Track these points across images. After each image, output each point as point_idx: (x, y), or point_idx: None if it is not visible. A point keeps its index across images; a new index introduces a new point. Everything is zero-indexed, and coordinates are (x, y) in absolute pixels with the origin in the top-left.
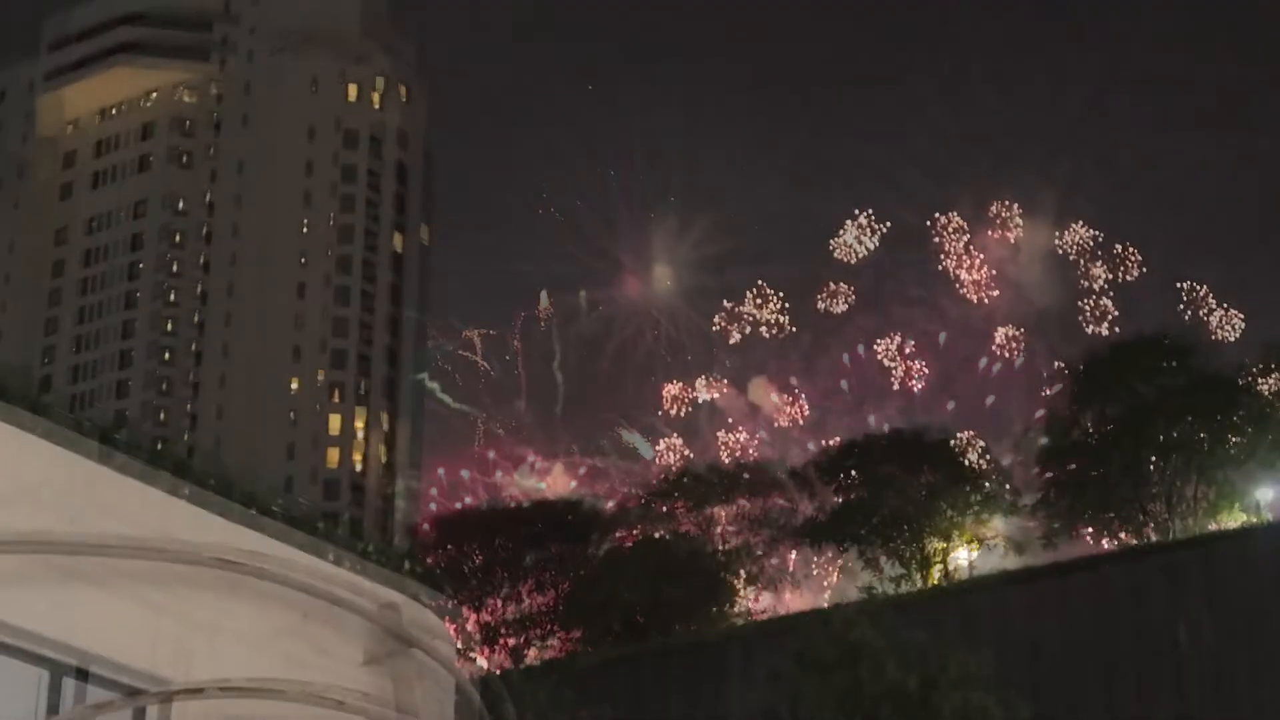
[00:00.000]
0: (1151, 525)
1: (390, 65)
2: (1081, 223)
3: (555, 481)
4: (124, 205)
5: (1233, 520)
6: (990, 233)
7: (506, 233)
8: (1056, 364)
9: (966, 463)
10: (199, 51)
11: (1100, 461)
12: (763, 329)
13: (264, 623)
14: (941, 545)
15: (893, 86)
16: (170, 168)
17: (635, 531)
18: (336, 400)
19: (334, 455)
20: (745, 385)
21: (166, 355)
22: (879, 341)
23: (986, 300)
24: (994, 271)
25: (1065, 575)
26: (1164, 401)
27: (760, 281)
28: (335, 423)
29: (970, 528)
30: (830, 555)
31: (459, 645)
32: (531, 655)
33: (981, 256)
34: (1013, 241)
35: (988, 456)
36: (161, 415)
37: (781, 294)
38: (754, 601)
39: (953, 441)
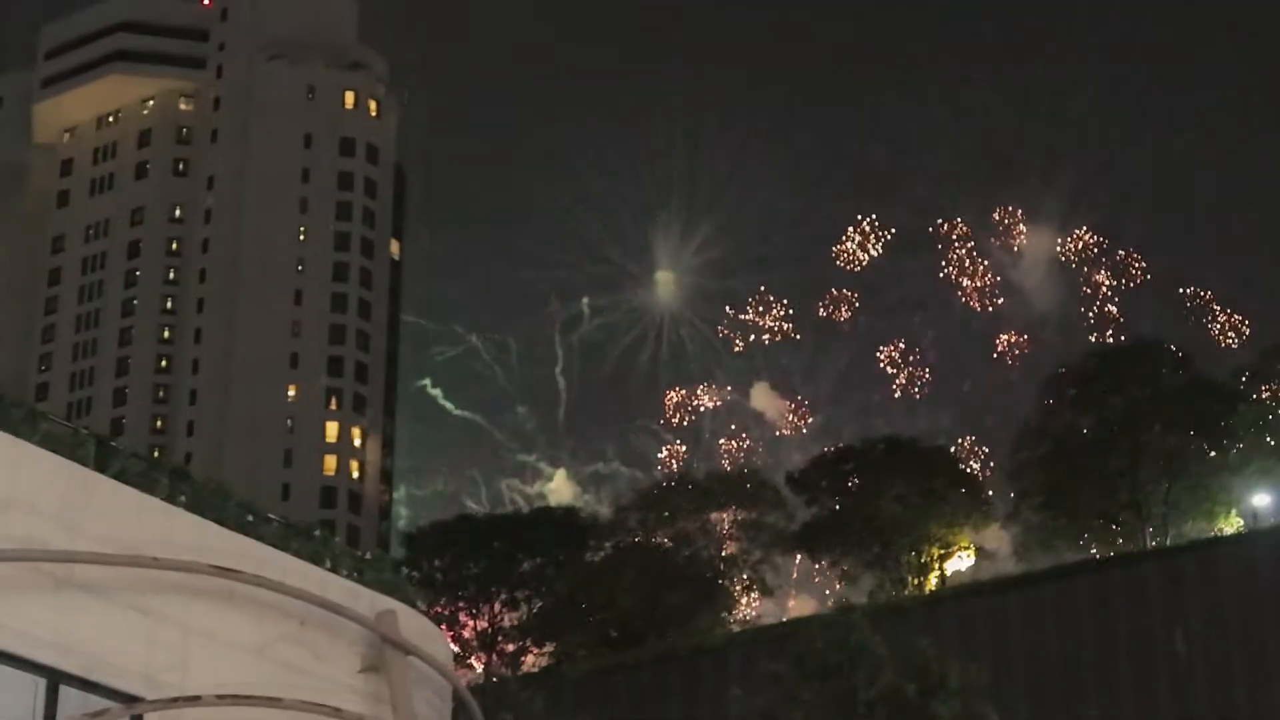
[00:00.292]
0: (1122, 536)
1: (387, 72)
2: (1085, 228)
3: (558, 487)
4: (121, 213)
5: (1229, 526)
6: (994, 240)
7: (509, 239)
8: (1061, 370)
9: (966, 470)
10: (195, 59)
11: (1070, 472)
12: (765, 336)
13: (261, 630)
14: (938, 551)
15: (896, 90)
16: (167, 175)
17: (636, 539)
18: (334, 408)
19: (331, 463)
20: (748, 390)
21: (164, 363)
22: (881, 348)
23: (990, 308)
24: (997, 278)
25: (1064, 579)
26: (1137, 410)
27: (763, 287)
28: (332, 430)
29: (945, 537)
30: (825, 562)
31: (457, 651)
32: (529, 662)
33: (985, 263)
34: (1015, 249)
35: (975, 466)
36: (159, 423)
37: (785, 300)
38: (751, 607)
39: (954, 449)
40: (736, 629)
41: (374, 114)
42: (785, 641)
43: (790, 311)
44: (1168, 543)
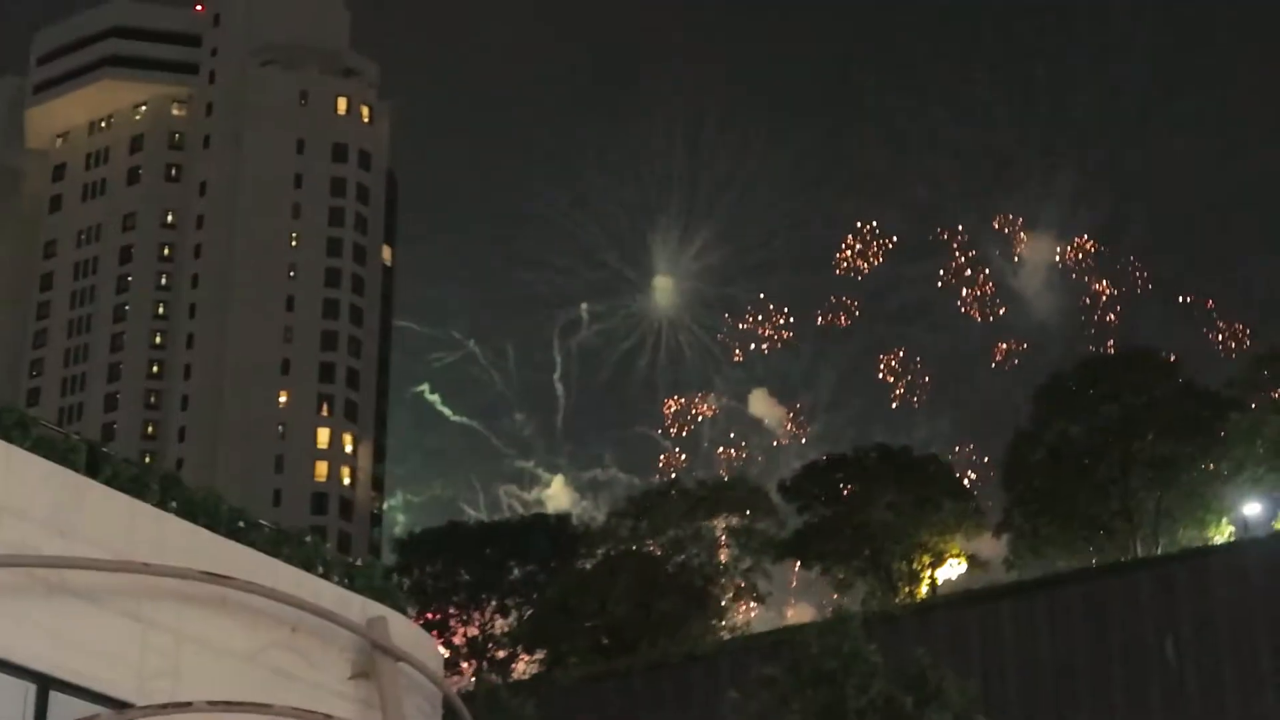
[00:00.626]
0: (1111, 544)
1: (379, 78)
2: (1085, 235)
3: (556, 494)
4: (114, 218)
5: (1220, 535)
6: (993, 246)
7: (507, 244)
8: (1054, 377)
9: (959, 478)
10: (188, 65)
11: (1063, 480)
12: (764, 345)
13: (252, 636)
14: (929, 559)
15: (895, 95)
16: (160, 180)
17: (628, 547)
18: (325, 414)
19: (322, 469)
20: (747, 397)
21: (156, 368)
22: (881, 355)
23: (990, 317)
24: (996, 285)
25: (1056, 587)
26: (1129, 418)
27: (762, 294)
28: (324, 436)
29: (937, 545)
30: (818, 570)
31: (447, 657)
32: (520, 669)
33: (985, 270)
34: (1015, 256)
35: (974, 475)
36: (150, 428)
37: (784, 307)
38: (744, 614)
39: (952, 457)
40: (728, 636)
41: (366, 119)
42: (778, 649)
43: (792, 320)
44: (1159, 551)
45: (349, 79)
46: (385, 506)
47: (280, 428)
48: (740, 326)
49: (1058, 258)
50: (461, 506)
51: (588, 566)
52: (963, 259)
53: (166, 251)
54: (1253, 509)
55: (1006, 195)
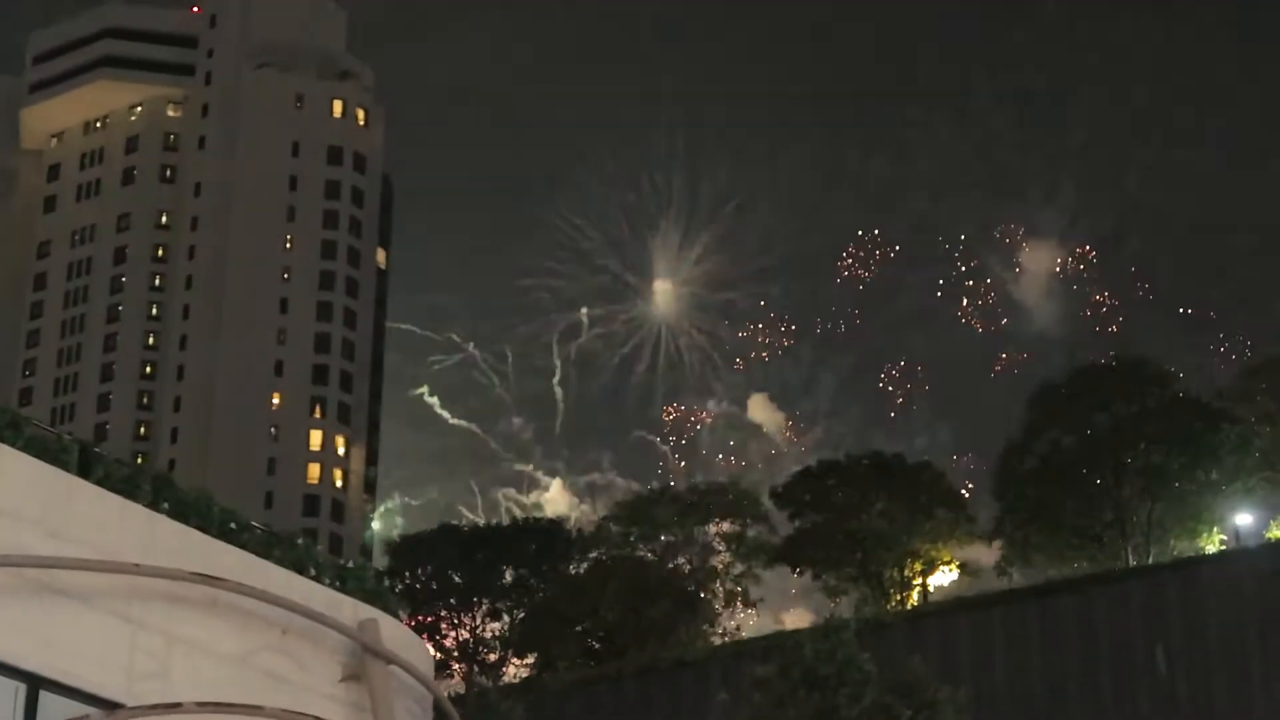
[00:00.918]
0: (1103, 554)
1: (376, 81)
2: (1086, 246)
3: (554, 498)
4: (108, 219)
5: (1211, 545)
6: (994, 255)
7: (507, 249)
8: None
9: (952, 486)
10: (184, 66)
11: (1053, 489)
12: (764, 352)
13: (243, 638)
14: (921, 567)
15: (897, 103)
16: (154, 181)
17: (619, 552)
18: (318, 416)
19: (314, 471)
20: (746, 403)
21: (148, 369)
22: (881, 363)
23: (991, 327)
24: (996, 294)
25: (1047, 596)
26: (1121, 428)
27: (762, 302)
28: (316, 438)
29: (929, 553)
30: (809, 576)
31: (438, 660)
32: (510, 672)
33: (987, 280)
34: (1016, 266)
35: (971, 484)
36: (143, 429)
37: (784, 314)
38: (736, 620)
39: (952, 464)
40: (719, 642)
41: (362, 123)
42: (770, 654)
43: (791, 327)
44: (1150, 561)
45: (344, 82)
46: (383, 509)
47: (273, 429)
48: (740, 335)
49: (1058, 267)
50: (460, 510)
51: (579, 571)
52: (963, 267)
53: (160, 253)
54: (1244, 519)
55: (1007, 204)
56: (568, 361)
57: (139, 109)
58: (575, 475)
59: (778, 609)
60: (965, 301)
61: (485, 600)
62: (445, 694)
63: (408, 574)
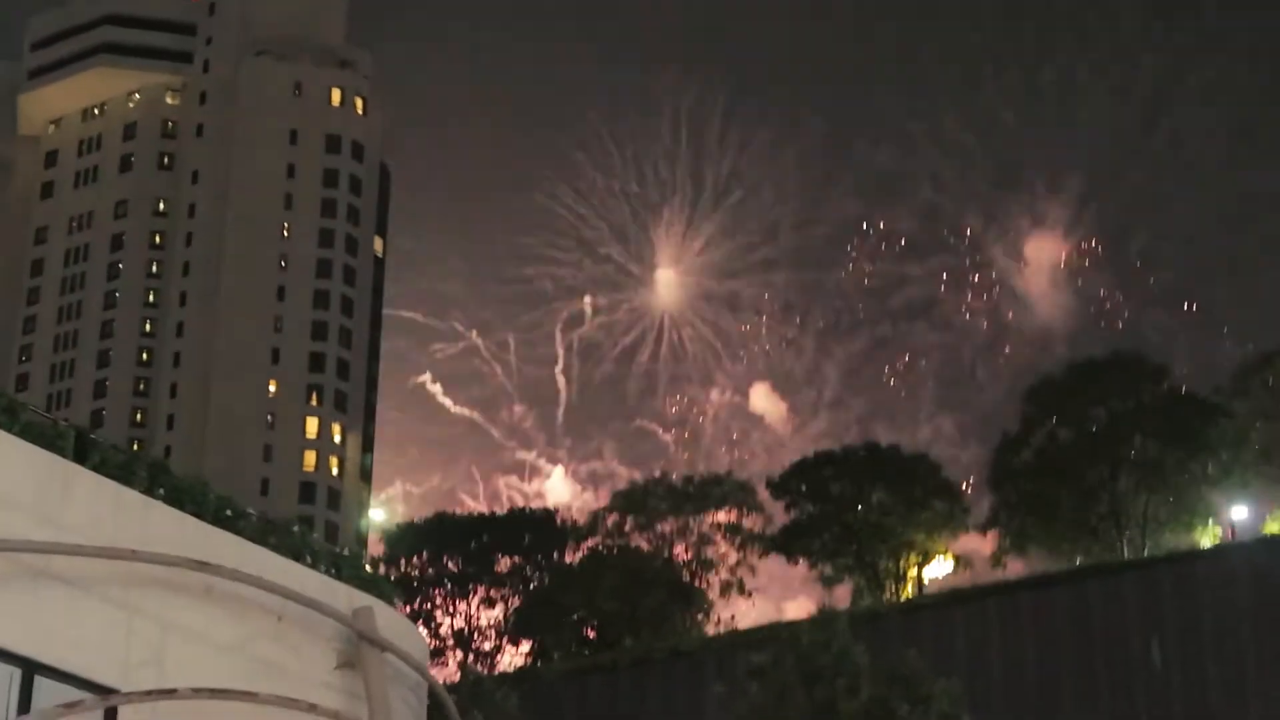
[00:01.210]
0: (1099, 546)
1: (376, 69)
2: (1092, 239)
3: (556, 486)
4: (105, 205)
5: (1207, 539)
6: (999, 247)
7: (511, 237)
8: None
9: (948, 478)
10: (182, 54)
11: (1048, 482)
12: (767, 342)
13: (239, 625)
14: (916, 558)
15: (903, 94)
16: (152, 169)
17: (614, 542)
18: (314, 404)
19: (311, 458)
20: (749, 392)
21: (145, 356)
22: (885, 353)
23: (995, 318)
24: (1001, 287)
25: (1042, 589)
26: (1117, 421)
27: (765, 292)
28: (312, 426)
29: (924, 544)
30: (805, 566)
31: (433, 648)
32: (506, 661)
33: (991, 272)
34: (1021, 259)
35: (973, 477)
36: (139, 416)
37: (789, 305)
38: (733, 609)
39: (958, 456)
40: (714, 632)
41: (360, 111)
42: (764, 644)
43: (795, 317)
44: (1145, 554)
45: (343, 70)
46: (384, 496)
47: (269, 417)
48: (743, 327)
49: (1063, 260)
50: (461, 497)
51: (575, 562)
52: (968, 260)
53: (158, 240)
54: (1240, 513)
55: (1013, 197)
56: (570, 350)
57: (137, 96)
58: (577, 464)
59: (780, 599)
60: (970, 293)
61: (480, 588)
62: (440, 682)
63: (403, 561)
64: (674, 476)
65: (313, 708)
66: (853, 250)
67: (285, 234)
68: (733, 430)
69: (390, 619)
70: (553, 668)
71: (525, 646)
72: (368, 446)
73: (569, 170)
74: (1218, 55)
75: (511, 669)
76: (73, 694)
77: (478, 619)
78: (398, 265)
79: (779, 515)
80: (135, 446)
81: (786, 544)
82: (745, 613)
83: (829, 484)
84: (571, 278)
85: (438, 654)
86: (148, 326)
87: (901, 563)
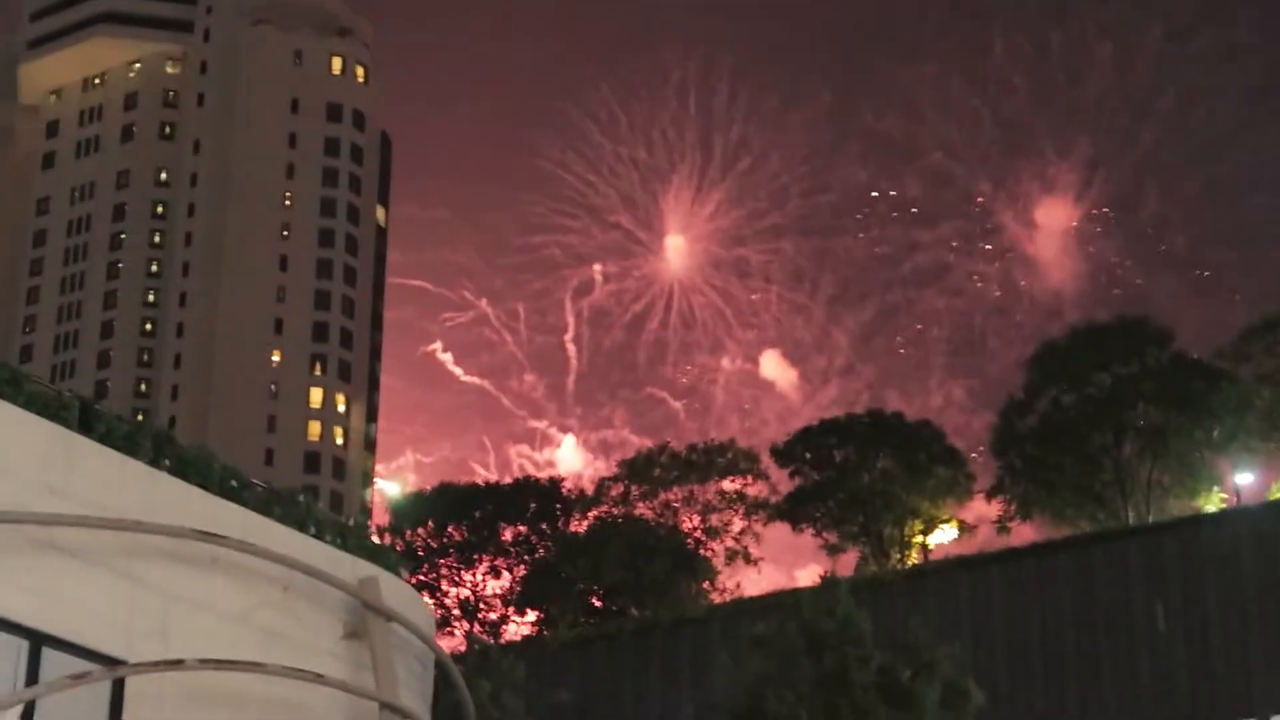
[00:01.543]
0: (1103, 512)
1: (377, 37)
2: (1103, 204)
3: (567, 455)
4: (107, 176)
5: (1211, 504)
6: (1009, 212)
7: (520, 205)
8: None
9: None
10: (183, 23)
11: (1052, 448)
12: (777, 309)
13: (244, 595)
14: (920, 525)
15: (911, 58)
16: (153, 139)
17: (618, 511)
18: (318, 373)
19: (315, 428)
20: (759, 359)
21: (148, 326)
22: (896, 320)
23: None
24: (1011, 252)
25: (1045, 555)
26: (1121, 387)
27: (774, 258)
28: (316, 396)
29: (928, 511)
30: (810, 533)
31: (438, 617)
32: (511, 630)
33: (1001, 237)
34: (1031, 222)
35: (982, 448)
36: (143, 386)
37: (799, 271)
38: (741, 576)
39: (967, 423)
40: (719, 600)
41: (361, 80)
42: (769, 612)
43: (804, 283)
44: (1150, 520)
45: (343, 38)
46: (394, 465)
47: (273, 387)
48: (753, 296)
49: (1074, 223)
50: (472, 466)
51: (580, 529)
52: (978, 226)
53: (160, 210)
54: (1245, 478)
55: (1022, 162)
56: (580, 318)
57: (138, 66)
58: (588, 432)
59: (792, 566)
60: (980, 259)
61: (486, 558)
62: (446, 652)
63: (408, 531)
64: (677, 445)
65: (319, 677)
66: (862, 217)
67: (287, 203)
68: (743, 398)
69: (396, 589)
70: (559, 637)
71: (531, 616)
72: (372, 416)
73: (577, 138)
74: (1228, 17)
75: (517, 638)
76: (80, 665)
77: (483, 589)
78: (406, 234)
79: (784, 483)
80: (139, 417)
81: (791, 512)
82: (755, 580)
83: (833, 451)
84: (580, 245)
85: (444, 624)
86: (151, 297)
87: (906, 530)
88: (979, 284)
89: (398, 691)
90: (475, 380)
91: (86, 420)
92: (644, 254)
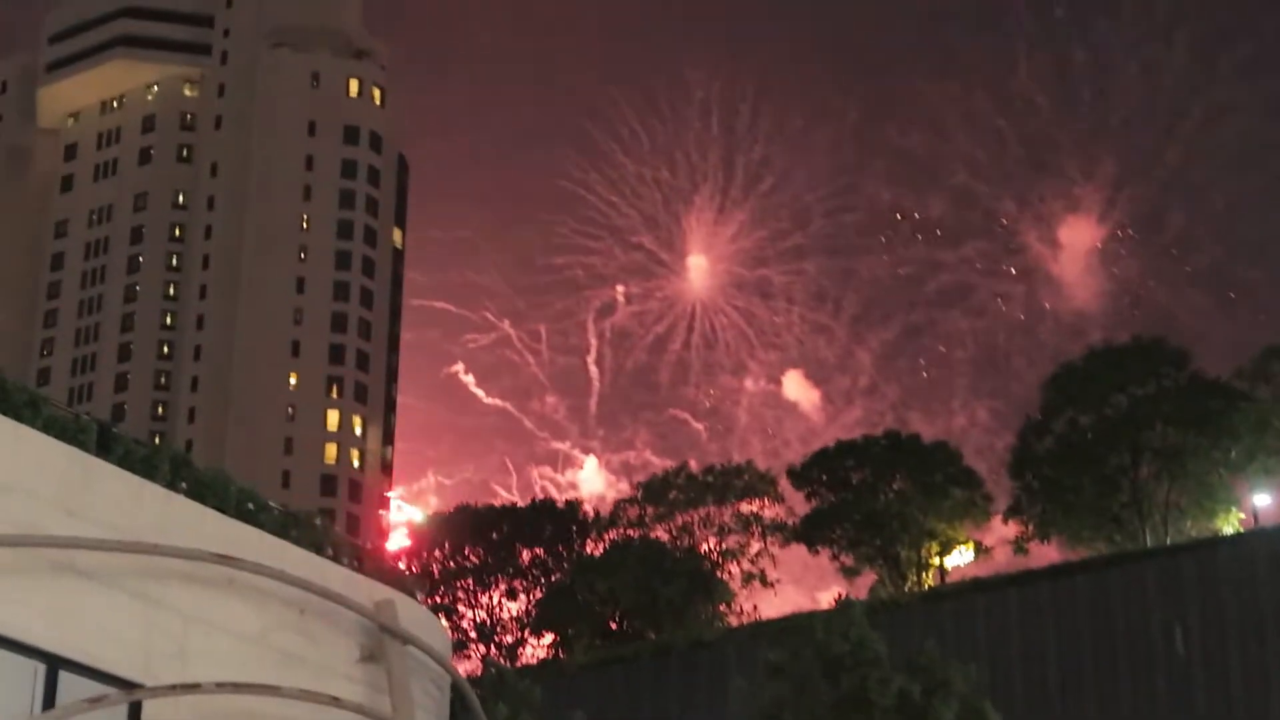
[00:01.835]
0: (1121, 534)
1: (393, 59)
2: (1127, 224)
3: (590, 476)
4: (125, 198)
5: (1229, 526)
6: (1034, 232)
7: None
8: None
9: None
10: (200, 45)
11: (1069, 469)
12: (799, 329)
13: (260, 618)
14: (937, 547)
15: (936, 78)
16: (171, 161)
17: (635, 533)
18: (335, 396)
19: (332, 451)
20: (781, 380)
21: (166, 349)
22: (918, 341)
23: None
24: (1036, 272)
25: (1063, 578)
26: (1138, 408)
27: (798, 278)
28: (333, 418)
29: (945, 533)
30: (827, 556)
31: (455, 641)
32: (527, 653)
33: (1025, 257)
34: (1055, 245)
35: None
36: (160, 409)
37: (822, 291)
38: (750, 600)
39: (992, 444)
40: (736, 623)
41: (378, 102)
42: (785, 635)
43: (827, 303)
44: (1168, 541)
45: (360, 60)
46: (415, 488)
47: (290, 409)
48: (776, 318)
49: (1099, 244)
50: (494, 488)
51: (596, 554)
52: (1002, 245)
53: (177, 232)
54: (1262, 500)
55: (1047, 181)
56: (602, 339)
57: (155, 88)
58: (610, 454)
59: (814, 588)
60: (1004, 279)
61: (502, 580)
62: (462, 674)
63: (425, 554)
64: (696, 467)
65: (335, 700)
66: (886, 240)
67: (304, 225)
68: (766, 419)
69: (412, 612)
70: (575, 660)
71: (547, 639)
72: (388, 438)
73: (600, 158)
74: (1253, 33)
75: (534, 661)
76: (97, 688)
77: (500, 611)
78: (428, 256)
79: (801, 505)
80: (156, 440)
81: (808, 534)
82: (772, 603)
83: (850, 473)
84: (603, 266)
85: (460, 647)
86: (168, 319)
87: (922, 551)
88: (1003, 305)
89: (414, 715)
90: (497, 402)
91: (104, 443)
92: (666, 274)
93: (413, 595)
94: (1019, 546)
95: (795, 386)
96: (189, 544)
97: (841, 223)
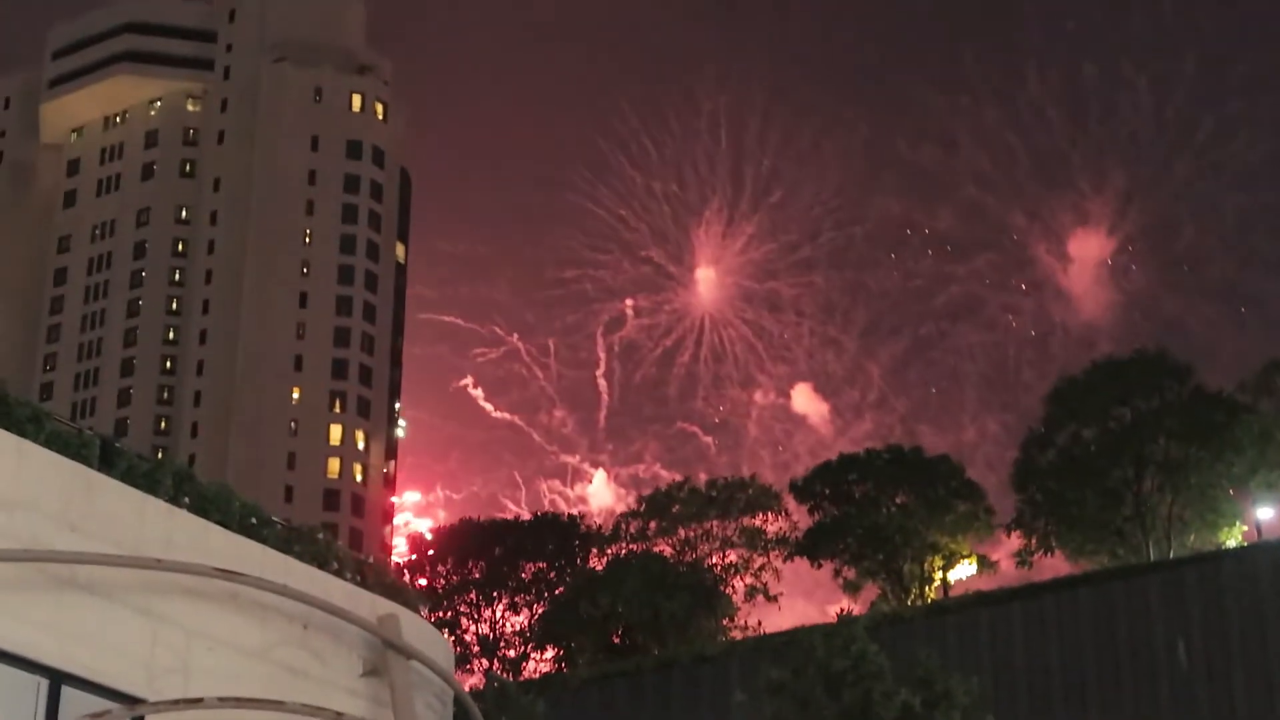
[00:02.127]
0: (1124, 547)
1: (396, 74)
2: (1136, 236)
3: (598, 490)
4: (127, 213)
5: (1232, 539)
6: (1044, 247)
7: (551, 240)
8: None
9: (972, 480)
10: (203, 61)
11: (1072, 482)
12: (808, 342)
13: (263, 633)
14: (940, 561)
15: (946, 91)
16: (174, 176)
17: (637, 546)
18: (338, 410)
19: (334, 465)
20: (790, 393)
21: (168, 364)
22: (928, 354)
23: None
24: (1045, 285)
25: (1066, 591)
26: (1141, 421)
27: (806, 291)
28: (336, 433)
29: (948, 546)
30: (830, 570)
31: (458, 655)
32: (530, 667)
33: (1035, 269)
34: (1065, 258)
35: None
36: (163, 424)
37: (830, 304)
38: (754, 614)
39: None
40: (739, 637)
41: (380, 117)
42: (787, 649)
43: (836, 316)
44: (1171, 554)
45: (363, 76)
46: (423, 502)
47: (292, 424)
48: (784, 334)
49: (1109, 257)
50: (503, 502)
51: (599, 568)
52: (1012, 258)
53: (180, 247)
54: (1265, 513)
55: (1056, 195)
56: (611, 353)
57: (158, 103)
58: (619, 467)
59: (823, 602)
60: (1014, 292)
61: (505, 595)
62: (465, 689)
63: (428, 568)
64: (700, 481)
65: (338, 715)
66: (894, 250)
67: (307, 240)
68: (775, 432)
69: (415, 626)
70: (577, 674)
71: (550, 653)
72: (391, 452)
73: (607, 171)
74: (1262, 45)
75: (537, 675)
76: (100, 704)
77: (503, 625)
78: (436, 270)
79: (805, 519)
80: (159, 454)
81: (811, 548)
82: (777, 617)
83: (852, 487)
84: (611, 280)
85: (463, 661)
86: (171, 334)
87: (925, 565)
88: (1012, 318)
89: None
90: (506, 416)
91: (107, 458)
92: (675, 288)
93: (416, 609)
94: (1022, 560)
95: (804, 400)
96: (192, 559)
97: (851, 235)
